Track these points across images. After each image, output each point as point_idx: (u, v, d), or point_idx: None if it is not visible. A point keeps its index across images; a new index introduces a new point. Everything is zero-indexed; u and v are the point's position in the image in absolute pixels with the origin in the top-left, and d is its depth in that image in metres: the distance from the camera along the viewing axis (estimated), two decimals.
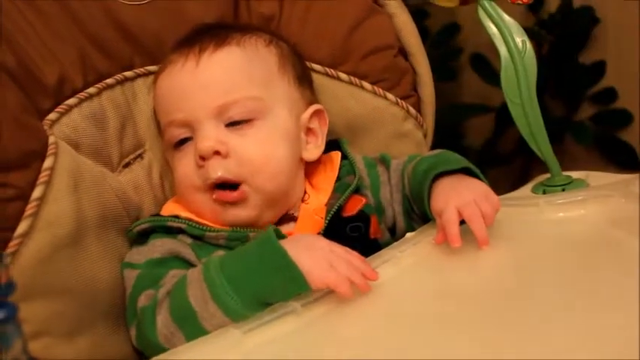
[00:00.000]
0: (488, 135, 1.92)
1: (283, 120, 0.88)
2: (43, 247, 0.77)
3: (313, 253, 0.72)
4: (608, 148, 1.80)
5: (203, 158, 0.83)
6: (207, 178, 0.83)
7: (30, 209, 0.77)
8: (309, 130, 0.91)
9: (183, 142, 0.86)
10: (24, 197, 0.77)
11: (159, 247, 0.83)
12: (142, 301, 0.78)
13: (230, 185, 0.84)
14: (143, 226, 0.85)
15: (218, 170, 0.83)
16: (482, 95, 1.94)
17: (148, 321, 0.75)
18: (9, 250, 0.75)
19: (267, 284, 0.71)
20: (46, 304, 0.78)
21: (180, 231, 0.84)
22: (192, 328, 0.72)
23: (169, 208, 0.89)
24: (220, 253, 0.80)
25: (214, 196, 0.84)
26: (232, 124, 0.85)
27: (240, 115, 0.85)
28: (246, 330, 0.68)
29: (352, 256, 0.73)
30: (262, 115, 0.86)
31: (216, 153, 0.83)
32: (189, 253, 0.83)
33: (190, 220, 0.84)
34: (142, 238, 0.85)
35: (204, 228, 0.84)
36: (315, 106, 0.92)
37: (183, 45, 0.88)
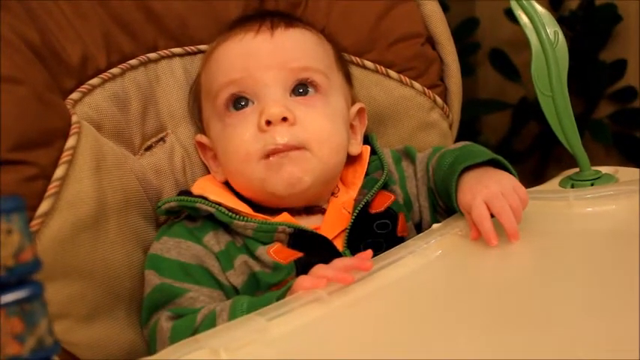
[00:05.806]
0: (505, 132, 1.91)
1: (342, 107, 0.88)
2: (64, 228, 0.76)
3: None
4: (627, 147, 1.79)
5: (269, 123, 0.81)
6: (270, 143, 0.81)
7: (52, 189, 0.76)
8: (351, 126, 0.92)
9: (239, 106, 0.85)
10: (46, 176, 0.76)
11: (185, 250, 0.81)
12: (162, 322, 0.77)
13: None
14: (172, 204, 0.83)
15: (285, 136, 0.81)
16: (499, 91, 1.93)
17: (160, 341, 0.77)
18: (30, 229, 0.73)
19: None
20: (66, 286, 0.77)
21: (205, 216, 0.83)
22: None
23: (201, 186, 0.87)
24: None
25: (272, 156, 0.81)
26: (298, 94, 0.84)
27: (309, 82, 0.85)
28: (270, 317, 0.66)
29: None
30: (327, 93, 0.86)
31: (284, 119, 0.82)
32: (213, 265, 0.81)
33: (220, 204, 0.82)
34: (171, 215, 0.85)
35: (233, 216, 0.82)
36: (359, 104, 0.93)
37: (250, 19, 0.88)
